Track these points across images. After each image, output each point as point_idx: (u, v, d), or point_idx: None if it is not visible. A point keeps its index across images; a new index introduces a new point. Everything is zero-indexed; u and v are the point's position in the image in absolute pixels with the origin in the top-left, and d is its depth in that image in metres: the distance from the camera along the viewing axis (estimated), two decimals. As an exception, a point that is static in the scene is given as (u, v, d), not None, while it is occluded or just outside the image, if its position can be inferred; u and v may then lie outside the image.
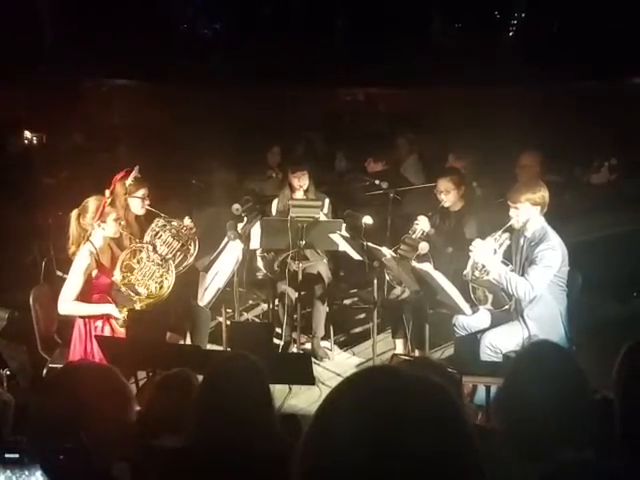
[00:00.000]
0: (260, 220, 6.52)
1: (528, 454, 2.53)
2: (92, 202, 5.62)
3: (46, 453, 2.55)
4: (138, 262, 5.70)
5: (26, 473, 2.46)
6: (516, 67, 12.24)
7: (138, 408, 3.50)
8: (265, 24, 14.91)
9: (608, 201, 6.85)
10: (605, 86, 11.86)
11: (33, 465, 2.47)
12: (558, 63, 12.12)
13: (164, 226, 6.04)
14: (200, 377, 4.30)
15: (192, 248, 6.10)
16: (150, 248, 5.76)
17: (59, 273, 6.45)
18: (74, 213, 5.62)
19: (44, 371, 5.62)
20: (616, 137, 8.95)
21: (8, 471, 2.46)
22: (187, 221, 6.14)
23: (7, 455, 2.50)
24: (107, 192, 5.76)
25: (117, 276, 5.58)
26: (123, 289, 5.61)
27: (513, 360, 3.19)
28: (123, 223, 5.79)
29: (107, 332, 5.54)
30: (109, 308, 5.58)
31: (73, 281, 5.49)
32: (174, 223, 6.07)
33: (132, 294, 5.62)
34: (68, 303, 5.47)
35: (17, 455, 2.49)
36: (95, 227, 5.56)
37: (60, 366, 4.37)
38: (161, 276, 5.71)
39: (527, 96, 11.77)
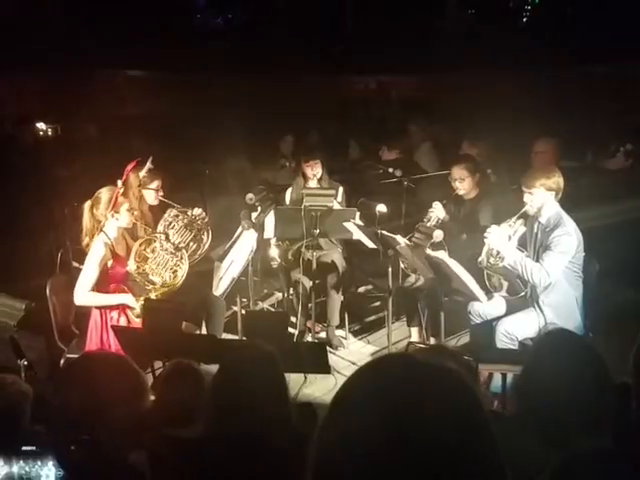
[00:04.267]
0: (274, 209, 6.52)
1: (546, 441, 2.52)
2: (105, 193, 5.62)
3: (59, 444, 2.56)
4: (152, 252, 5.71)
5: (39, 464, 2.47)
6: (530, 53, 12.17)
7: (153, 398, 3.52)
8: (277, 12, 14.88)
9: (624, 186, 6.81)
10: (620, 71, 11.77)
11: (46, 456, 2.49)
12: (572, 48, 12.06)
13: (177, 216, 6.06)
14: (208, 366, 4.33)
15: (205, 237, 6.12)
16: (163, 237, 5.77)
17: (75, 264, 6.47)
18: (87, 204, 5.62)
19: (61, 361, 5.65)
20: (632, 122, 8.89)
21: (21, 461, 2.47)
22: (197, 211, 6.15)
23: (24, 448, 2.51)
24: (119, 182, 5.77)
25: (131, 266, 5.59)
26: (138, 279, 5.62)
27: (531, 348, 3.18)
28: (137, 213, 5.80)
29: (123, 323, 5.56)
30: (126, 298, 5.59)
31: (88, 272, 5.49)
32: (187, 213, 6.09)
33: (147, 283, 5.63)
34: (84, 294, 5.48)
35: (33, 447, 2.51)
36: (108, 218, 5.56)
37: (77, 356, 4.39)
38: (175, 265, 5.72)
39: (542, 81, 11.70)
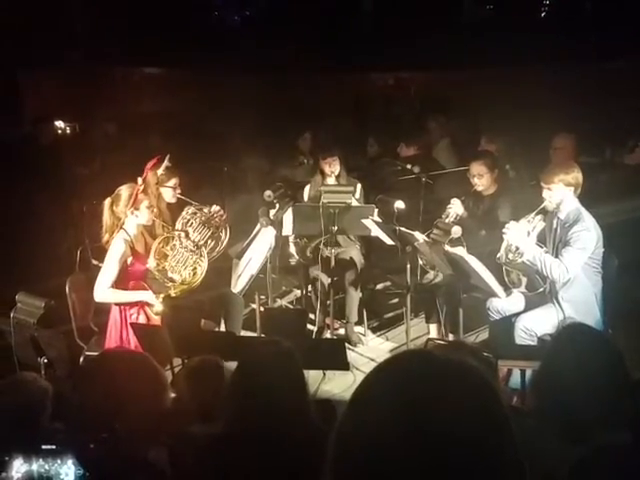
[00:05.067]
0: (292, 206, 6.52)
1: (565, 436, 2.52)
2: (125, 190, 5.64)
3: (79, 442, 2.58)
4: (171, 249, 5.73)
5: (58, 462, 2.49)
6: (549, 48, 12.10)
7: (173, 395, 3.53)
8: (295, 9, 14.85)
9: (643, 182, 6.77)
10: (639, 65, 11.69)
11: (66, 454, 2.50)
12: (591, 43, 11.99)
13: (195, 214, 6.07)
14: (227, 363, 4.34)
15: (223, 235, 6.13)
16: (182, 235, 5.78)
17: (94, 262, 6.49)
18: (107, 201, 5.64)
19: (81, 359, 5.68)
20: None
21: (41, 460, 2.49)
22: (215, 208, 6.15)
23: (44, 446, 2.53)
24: (140, 180, 5.79)
25: (151, 263, 5.61)
26: (157, 276, 5.64)
27: (550, 343, 3.17)
28: (156, 211, 5.82)
29: (142, 320, 5.57)
30: (146, 295, 5.60)
31: (109, 269, 5.52)
32: (204, 210, 6.10)
33: (166, 281, 5.65)
34: (105, 290, 5.50)
35: (53, 446, 2.52)
36: (128, 215, 5.58)
37: (96, 354, 4.42)
38: (194, 262, 5.73)
39: (560, 77, 11.64)
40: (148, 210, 5.64)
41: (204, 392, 3.75)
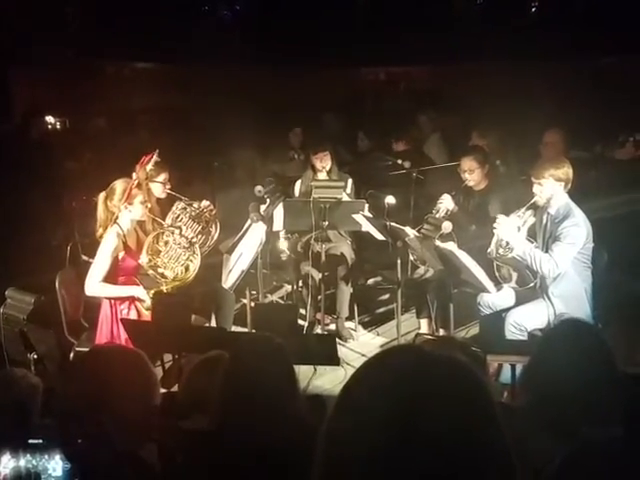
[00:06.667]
0: (283, 201, 6.52)
1: (555, 431, 2.52)
2: (119, 184, 5.64)
3: (66, 437, 2.57)
4: (164, 245, 5.72)
5: (46, 457, 2.48)
6: (539, 43, 12.09)
7: (163, 391, 3.52)
8: (285, 4, 14.78)
9: (633, 177, 6.78)
10: (630, 61, 11.70)
11: (53, 449, 2.49)
12: (582, 38, 11.98)
13: (184, 209, 6.06)
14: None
15: (213, 230, 6.12)
16: (176, 231, 5.78)
17: (84, 257, 6.48)
18: (101, 196, 5.64)
19: (71, 354, 5.67)
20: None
21: (28, 455, 2.48)
22: (205, 203, 6.15)
23: (30, 441, 2.52)
24: (134, 175, 5.78)
25: (144, 259, 5.60)
26: (149, 272, 5.63)
27: (541, 338, 3.18)
28: (149, 206, 5.81)
29: (133, 316, 5.57)
30: (137, 290, 5.60)
31: (100, 262, 5.51)
32: (194, 205, 6.09)
33: (158, 277, 5.64)
34: (95, 284, 5.49)
35: (40, 441, 2.51)
36: (122, 209, 5.58)
37: (87, 349, 4.41)
38: (187, 259, 5.73)
39: (551, 72, 11.64)
40: (142, 205, 5.64)
41: (211, 386, 3.73)
